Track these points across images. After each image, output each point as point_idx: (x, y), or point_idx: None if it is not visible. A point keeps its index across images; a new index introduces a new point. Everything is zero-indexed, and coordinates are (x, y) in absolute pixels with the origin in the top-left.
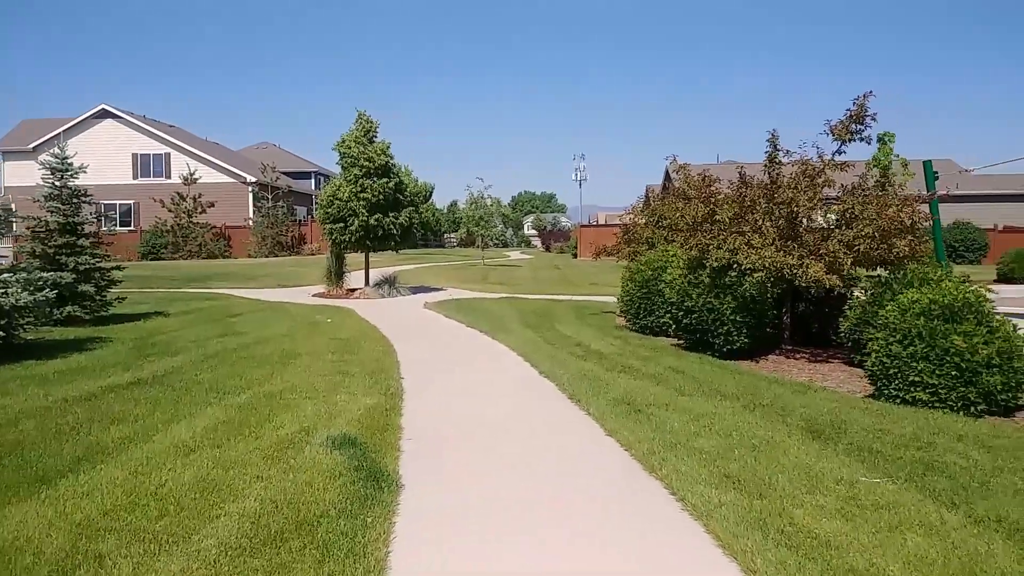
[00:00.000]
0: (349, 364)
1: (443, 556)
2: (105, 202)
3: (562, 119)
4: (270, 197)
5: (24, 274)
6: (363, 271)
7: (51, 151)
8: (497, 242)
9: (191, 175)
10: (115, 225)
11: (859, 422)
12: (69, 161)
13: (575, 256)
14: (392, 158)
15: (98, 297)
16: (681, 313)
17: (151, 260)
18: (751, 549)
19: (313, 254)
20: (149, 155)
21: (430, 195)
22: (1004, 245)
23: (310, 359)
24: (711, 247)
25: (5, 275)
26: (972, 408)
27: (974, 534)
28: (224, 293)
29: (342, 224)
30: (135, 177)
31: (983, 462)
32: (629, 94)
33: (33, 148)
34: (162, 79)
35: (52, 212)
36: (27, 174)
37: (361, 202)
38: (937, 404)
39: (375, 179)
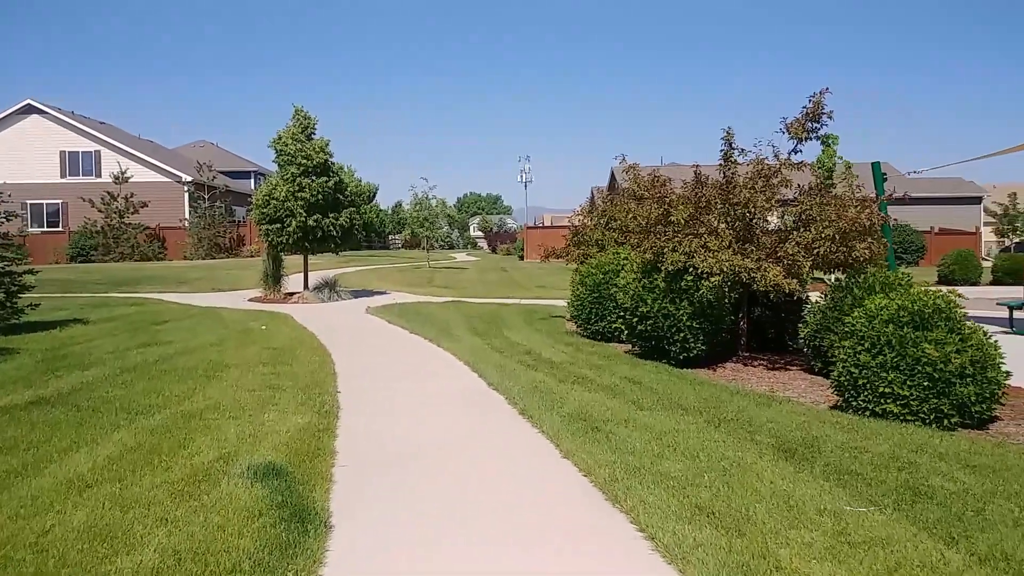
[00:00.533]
0: (281, 377)
1: None
2: (31, 202)
3: (507, 120)
4: (207, 197)
5: None
6: (302, 274)
7: None
8: (443, 244)
9: (122, 174)
10: (41, 226)
11: (832, 439)
12: None
13: (522, 258)
14: (331, 156)
15: (8, 304)
16: (635, 319)
17: (80, 262)
18: None
19: (252, 256)
20: (78, 153)
21: (373, 196)
22: (940, 247)
23: (239, 372)
24: (666, 250)
25: None
26: (945, 421)
27: None
28: (153, 298)
29: (279, 225)
30: (63, 176)
31: (972, 486)
32: (574, 95)
33: None
34: (96, 76)
35: None
36: None
37: (299, 202)
38: (909, 417)
39: (313, 178)
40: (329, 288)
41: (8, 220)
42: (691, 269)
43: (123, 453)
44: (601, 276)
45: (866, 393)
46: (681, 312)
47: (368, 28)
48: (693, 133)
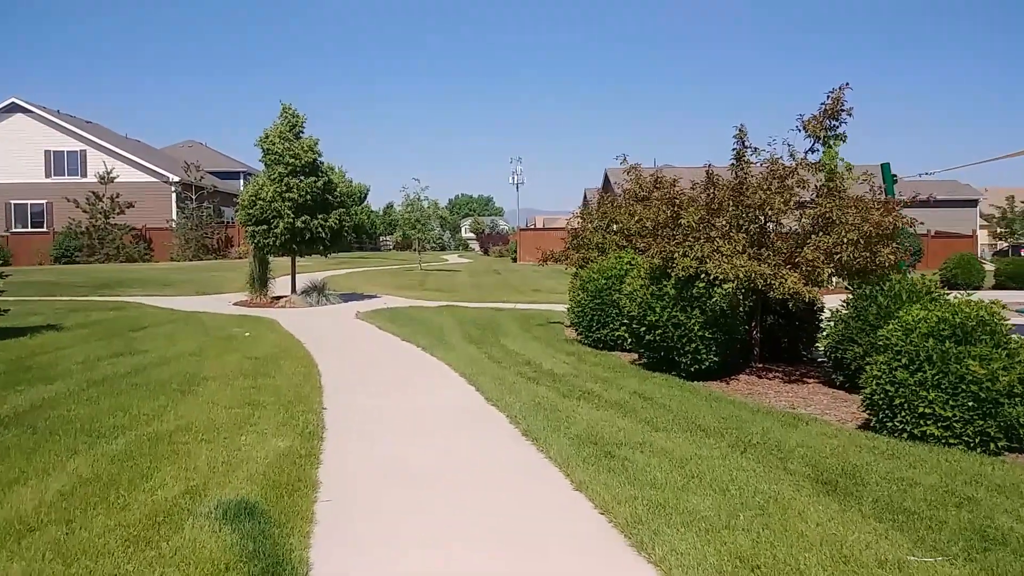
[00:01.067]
0: (262, 391)
1: None
2: (15, 202)
3: (498, 122)
4: (195, 197)
5: None
6: (289, 277)
7: None
8: (434, 245)
9: (108, 173)
10: (25, 226)
11: (874, 468)
12: None
13: (515, 260)
14: (320, 155)
15: None
16: (643, 329)
17: (65, 264)
18: None
19: (241, 257)
20: (63, 152)
21: (364, 197)
22: (936, 250)
23: (216, 385)
24: (676, 255)
25: None
26: (992, 444)
27: None
28: (135, 302)
29: (266, 226)
30: (48, 176)
31: None
32: (565, 97)
33: None
34: (85, 75)
35: None
36: None
37: (286, 202)
38: (951, 440)
39: (302, 178)
40: (318, 292)
41: None
42: (703, 275)
43: (76, 487)
44: (604, 281)
45: (904, 413)
46: (692, 321)
47: (360, 29)
48: (686, 135)
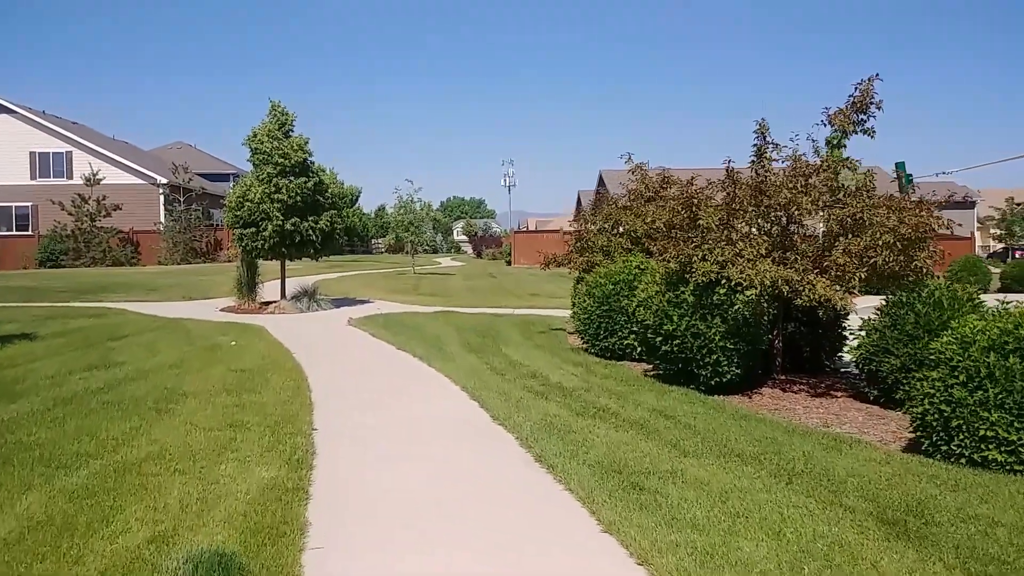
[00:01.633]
0: (246, 410)
1: None
2: None
3: (489, 124)
4: (183, 200)
5: None
6: (279, 281)
7: None
8: (427, 248)
9: (94, 175)
10: (10, 229)
11: (942, 504)
12: None
13: (509, 263)
14: (311, 155)
15: None
16: (659, 338)
17: (50, 267)
18: None
19: (230, 261)
20: (49, 154)
21: (356, 199)
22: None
23: (197, 403)
24: (695, 259)
25: None
26: None
27: None
28: (118, 308)
29: (254, 229)
30: (33, 177)
31: None
32: (558, 99)
33: None
34: (71, 75)
35: None
36: None
37: (275, 204)
38: (1017, 467)
39: (291, 178)
40: (308, 297)
41: None
42: (724, 281)
43: (24, 533)
44: (611, 287)
45: (962, 436)
46: (713, 331)
47: (352, 31)
48: (684, 137)
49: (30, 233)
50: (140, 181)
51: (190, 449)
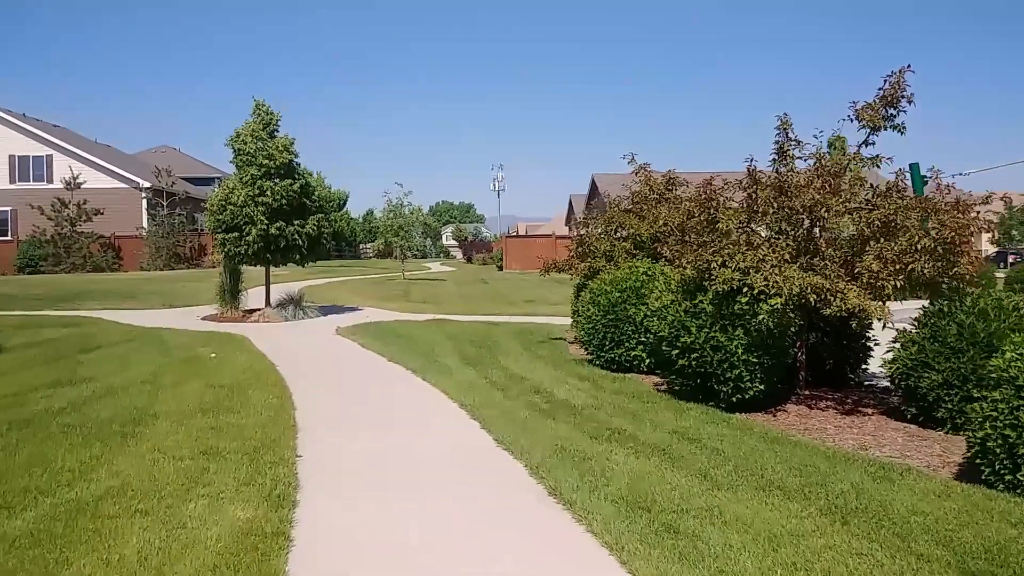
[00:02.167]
0: (223, 434)
1: None
2: None
3: (477, 128)
4: (166, 204)
5: None
6: (263, 288)
7: None
8: (416, 253)
9: (75, 179)
10: None
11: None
12: None
13: (500, 268)
14: (296, 156)
15: None
16: (675, 352)
17: (29, 274)
18: None
19: (214, 266)
20: (28, 157)
21: (344, 203)
22: None
23: (168, 425)
24: (714, 265)
25: None
26: None
27: None
28: (94, 317)
29: (237, 233)
30: (12, 181)
31: None
32: (548, 104)
33: None
34: (54, 77)
35: None
36: None
37: (260, 207)
38: None
39: (276, 180)
40: (294, 304)
41: None
42: (746, 289)
43: None
44: (618, 294)
45: None
46: (735, 343)
47: (340, 35)
48: (680, 139)
49: (8, 238)
50: (122, 185)
51: (155, 483)
